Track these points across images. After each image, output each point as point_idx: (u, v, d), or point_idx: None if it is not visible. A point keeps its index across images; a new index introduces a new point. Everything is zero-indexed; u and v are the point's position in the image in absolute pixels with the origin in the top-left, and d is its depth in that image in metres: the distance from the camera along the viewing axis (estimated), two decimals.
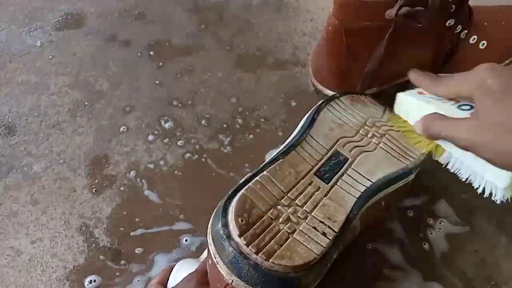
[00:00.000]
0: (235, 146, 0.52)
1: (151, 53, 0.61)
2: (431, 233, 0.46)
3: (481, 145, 0.31)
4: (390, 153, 0.42)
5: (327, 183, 0.38)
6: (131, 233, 0.47)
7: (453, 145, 0.36)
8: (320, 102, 0.45)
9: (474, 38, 0.52)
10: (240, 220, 0.32)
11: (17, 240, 0.46)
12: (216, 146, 0.52)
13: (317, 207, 0.36)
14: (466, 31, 0.51)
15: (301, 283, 0.32)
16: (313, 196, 0.36)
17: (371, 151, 0.42)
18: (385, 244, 0.45)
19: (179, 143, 0.53)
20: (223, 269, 0.31)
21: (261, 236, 0.31)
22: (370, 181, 0.39)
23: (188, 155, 0.52)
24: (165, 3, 0.67)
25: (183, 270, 0.40)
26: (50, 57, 0.61)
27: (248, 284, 0.30)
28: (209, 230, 0.33)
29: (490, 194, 0.37)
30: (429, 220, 0.47)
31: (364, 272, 0.44)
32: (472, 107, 0.36)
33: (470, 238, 0.46)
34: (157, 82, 0.58)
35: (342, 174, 0.39)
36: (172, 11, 0.66)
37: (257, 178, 0.35)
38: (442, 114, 0.36)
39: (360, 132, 0.43)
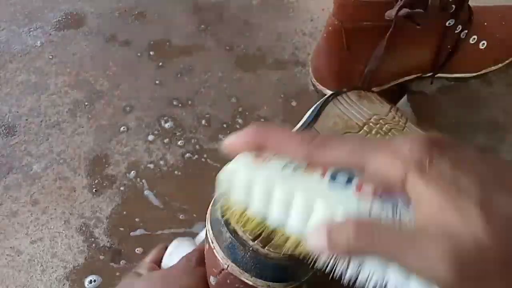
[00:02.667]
0: None
1: (151, 53, 0.61)
2: None
3: (471, 284, 0.18)
4: None
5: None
6: (131, 233, 0.47)
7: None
8: (327, 96, 0.45)
9: (474, 38, 0.52)
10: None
11: (17, 240, 0.46)
12: (216, 146, 0.52)
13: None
14: (466, 31, 0.51)
15: (296, 272, 0.32)
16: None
17: None
18: None
19: (179, 143, 0.53)
20: (219, 254, 0.31)
21: None
22: None
23: (188, 155, 0.52)
24: (165, 3, 0.67)
25: (179, 250, 0.39)
26: (50, 57, 0.61)
27: (243, 270, 0.31)
28: (208, 215, 0.34)
29: None
30: None
31: None
32: (349, 179, 0.23)
33: None
34: (157, 82, 0.58)
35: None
36: (172, 11, 0.66)
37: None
38: (364, 220, 0.21)
39: (364, 128, 0.42)
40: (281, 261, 0.31)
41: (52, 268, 0.45)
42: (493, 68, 0.56)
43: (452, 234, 0.18)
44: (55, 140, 0.53)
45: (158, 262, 0.40)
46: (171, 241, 0.46)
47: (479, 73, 0.56)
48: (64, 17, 0.65)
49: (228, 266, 0.31)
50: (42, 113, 0.55)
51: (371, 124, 0.43)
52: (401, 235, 0.19)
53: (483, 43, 0.53)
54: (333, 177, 0.23)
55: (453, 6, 0.47)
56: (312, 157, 0.22)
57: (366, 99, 0.46)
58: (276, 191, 0.23)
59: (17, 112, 0.56)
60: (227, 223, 0.31)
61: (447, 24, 0.49)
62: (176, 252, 0.40)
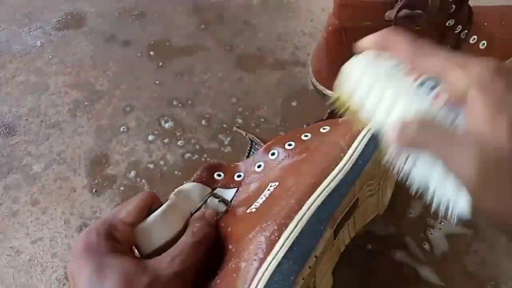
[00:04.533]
0: (235, 146, 0.52)
1: (151, 53, 0.61)
2: (431, 233, 0.46)
3: (488, 188, 0.23)
4: None
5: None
6: None
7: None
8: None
9: (474, 38, 0.52)
10: None
11: (17, 240, 0.46)
12: (216, 146, 0.52)
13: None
14: (466, 31, 0.51)
15: None
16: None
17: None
18: (386, 244, 0.45)
19: (179, 143, 0.53)
20: None
21: None
22: None
23: (188, 155, 0.52)
24: (165, 3, 0.67)
25: (172, 215, 0.35)
26: (50, 57, 0.61)
27: None
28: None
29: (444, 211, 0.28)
30: (429, 220, 0.47)
31: (364, 273, 0.44)
32: (435, 85, 0.28)
33: (470, 238, 0.46)
34: (157, 82, 0.58)
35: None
36: (172, 11, 0.66)
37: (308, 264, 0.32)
38: (426, 121, 0.26)
39: None
40: None
41: (52, 268, 0.45)
42: None
43: (483, 142, 0.23)
44: (55, 140, 0.53)
45: (143, 216, 0.35)
46: None
47: None
48: (64, 17, 0.65)
49: None
50: (42, 113, 0.55)
51: None
52: (447, 137, 0.24)
53: (483, 43, 0.53)
54: (422, 83, 0.28)
55: (453, 6, 0.47)
56: (414, 63, 0.28)
57: None
58: (376, 86, 0.29)
59: (17, 112, 0.56)
60: None
61: (447, 24, 0.49)
62: (169, 218, 0.35)
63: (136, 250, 0.35)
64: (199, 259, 0.33)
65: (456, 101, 0.26)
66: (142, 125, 0.54)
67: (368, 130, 0.37)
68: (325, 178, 0.34)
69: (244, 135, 0.46)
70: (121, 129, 0.54)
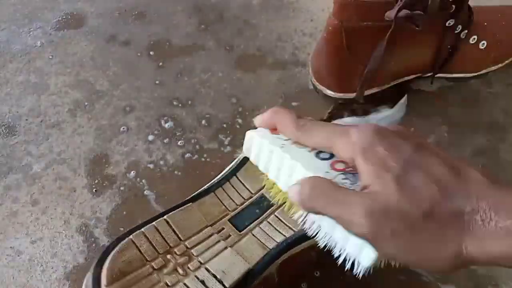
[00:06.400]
0: (235, 146, 0.52)
1: (151, 53, 0.61)
2: None
3: (384, 237, 0.24)
4: None
5: (240, 231, 0.35)
6: None
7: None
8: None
9: (474, 38, 0.52)
10: (113, 268, 0.30)
11: (17, 240, 0.46)
12: (216, 146, 0.52)
13: (215, 258, 0.33)
14: (466, 31, 0.51)
15: None
16: (215, 246, 0.34)
17: None
18: None
19: (179, 143, 0.53)
20: None
21: None
22: (292, 230, 0.35)
23: (188, 155, 0.52)
24: (165, 3, 0.67)
25: None
26: (50, 57, 0.61)
27: None
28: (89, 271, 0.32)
29: (351, 266, 0.29)
30: None
31: (366, 275, 0.44)
32: (331, 156, 0.30)
33: None
34: (157, 82, 0.58)
35: (261, 222, 0.36)
36: (172, 11, 0.66)
37: (153, 223, 0.33)
38: (323, 180, 0.27)
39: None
40: None
41: (52, 268, 0.45)
42: (493, 68, 0.56)
43: (372, 197, 0.25)
44: (55, 140, 0.53)
45: None
46: None
47: (479, 73, 0.56)
48: (64, 17, 0.65)
49: None
50: (42, 113, 0.55)
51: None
52: (338, 197, 0.26)
53: (483, 43, 0.53)
54: (318, 153, 0.30)
55: (453, 6, 0.47)
56: (299, 140, 0.30)
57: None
58: (274, 156, 0.31)
59: (17, 112, 0.56)
60: (96, 284, 0.30)
61: (447, 24, 0.49)
62: None
63: None
64: None
65: (350, 167, 0.28)
66: (142, 125, 0.54)
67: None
68: None
69: None
70: (121, 129, 0.54)
